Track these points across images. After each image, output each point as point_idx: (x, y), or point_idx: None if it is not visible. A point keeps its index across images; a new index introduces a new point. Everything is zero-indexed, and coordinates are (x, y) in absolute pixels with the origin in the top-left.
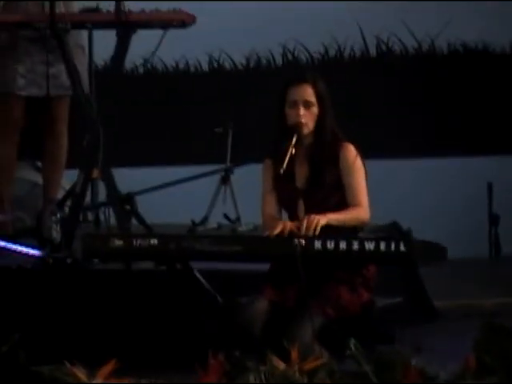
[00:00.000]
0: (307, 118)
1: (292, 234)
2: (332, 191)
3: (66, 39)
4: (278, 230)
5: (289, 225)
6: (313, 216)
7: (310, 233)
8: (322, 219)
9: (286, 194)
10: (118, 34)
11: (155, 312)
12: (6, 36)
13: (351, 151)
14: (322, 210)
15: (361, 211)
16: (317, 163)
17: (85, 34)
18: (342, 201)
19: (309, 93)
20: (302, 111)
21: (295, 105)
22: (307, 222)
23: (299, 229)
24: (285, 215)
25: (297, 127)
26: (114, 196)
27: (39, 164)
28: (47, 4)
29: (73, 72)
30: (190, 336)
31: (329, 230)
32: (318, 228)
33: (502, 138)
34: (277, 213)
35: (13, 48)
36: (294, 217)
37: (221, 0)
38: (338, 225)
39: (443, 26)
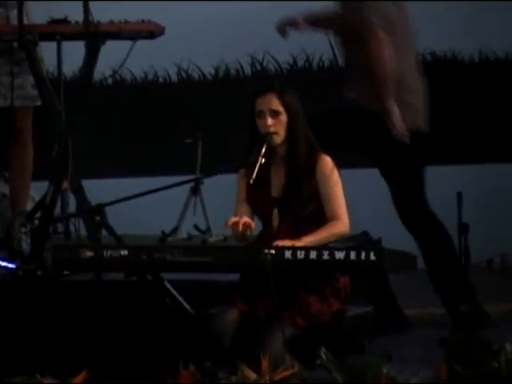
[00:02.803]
0: (276, 127)
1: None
2: (307, 201)
3: (35, 51)
4: (231, 222)
5: (244, 220)
6: (287, 242)
7: None
8: (298, 244)
9: (260, 202)
10: (86, 45)
11: (126, 323)
12: None
13: (328, 163)
14: (296, 220)
15: (339, 225)
16: (292, 173)
17: (43, 44)
18: (317, 211)
19: (274, 102)
20: (269, 121)
21: (262, 115)
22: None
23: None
24: (259, 225)
25: (266, 137)
26: (84, 207)
27: (8, 175)
28: (12, 16)
29: (41, 83)
30: (161, 346)
31: None
32: None
33: (472, 146)
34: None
35: None
36: (268, 225)
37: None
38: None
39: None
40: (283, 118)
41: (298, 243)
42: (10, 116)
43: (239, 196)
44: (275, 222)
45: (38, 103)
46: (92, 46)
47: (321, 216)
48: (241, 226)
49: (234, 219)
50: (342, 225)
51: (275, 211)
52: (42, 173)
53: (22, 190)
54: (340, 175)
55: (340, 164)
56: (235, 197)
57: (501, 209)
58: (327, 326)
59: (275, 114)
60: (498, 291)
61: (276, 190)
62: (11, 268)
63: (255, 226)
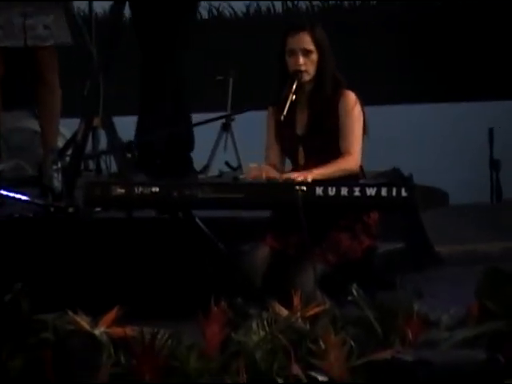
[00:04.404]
0: (307, 66)
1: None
2: (331, 138)
3: None
4: (250, 175)
5: (265, 171)
6: (297, 174)
7: None
8: (308, 176)
9: (286, 140)
10: None
11: (157, 260)
12: None
13: (351, 98)
14: (322, 157)
15: (349, 160)
16: (316, 110)
17: None
18: None
19: (306, 40)
20: (300, 59)
21: (294, 53)
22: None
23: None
24: (288, 163)
25: (297, 75)
26: (115, 144)
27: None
28: None
29: (72, 22)
30: (192, 284)
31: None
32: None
33: (503, 83)
34: (280, 160)
35: None
36: (295, 163)
37: None
38: (326, 178)
39: None
40: (314, 56)
41: (309, 175)
42: (33, 56)
43: (269, 136)
44: (301, 160)
45: (50, 43)
46: None
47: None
48: (264, 175)
49: (254, 173)
50: (352, 161)
51: (301, 149)
52: (73, 110)
53: (52, 129)
54: (364, 112)
55: (370, 100)
56: (265, 137)
57: None
58: (358, 263)
59: (307, 52)
60: None
61: (301, 127)
62: (24, 200)
63: (281, 164)
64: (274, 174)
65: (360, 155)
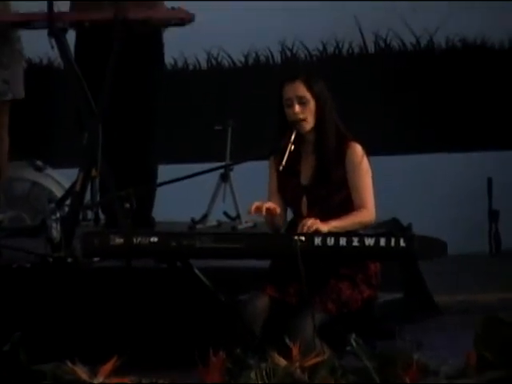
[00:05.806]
0: (305, 114)
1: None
2: (336, 189)
3: (65, 39)
4: (253, 207)
5: (268, 205)
6: (313, 220)
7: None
8: (323, 227)
9: (290, 190)
10: (116, 33)
11: (156, 310)
12: None
13: (358, 151)
14: (325, 208)
15: (365, 214)
16: (322, 161)
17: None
18: (346, 199)
19: (301, 89)
20: (297, 108)
21: (290, 102)
22: (306, 225)
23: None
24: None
25: (295, 124)
26: (114, 194)
27: (39, 163)
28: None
29: (71, 71)
30: (190, 333)
31: None
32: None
33: (502, 133)
34: (282, 209)
35: None
36: (297, 213)
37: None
38: (341, 231)
39: (441, 22)
40: (311, 105)
41: (323, 226)
42: None
43: (270, 187)
44: (304, 210)
45: (9, 98)
46: (121, 34)
47: (350, 204)
48: (264, 210)
49: (256, 204)
50: (368, 214)
51: (304, 199)
52: (71, 160)
53: None
54: (370, 162)
55: (371, 150)
56: (267, 187)
57: None
58: (358, 313)
59: (303, 101)
60: None
61: (305, 178)
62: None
63: (282, 212)
64: (275, 207)
65: (374, 207)
